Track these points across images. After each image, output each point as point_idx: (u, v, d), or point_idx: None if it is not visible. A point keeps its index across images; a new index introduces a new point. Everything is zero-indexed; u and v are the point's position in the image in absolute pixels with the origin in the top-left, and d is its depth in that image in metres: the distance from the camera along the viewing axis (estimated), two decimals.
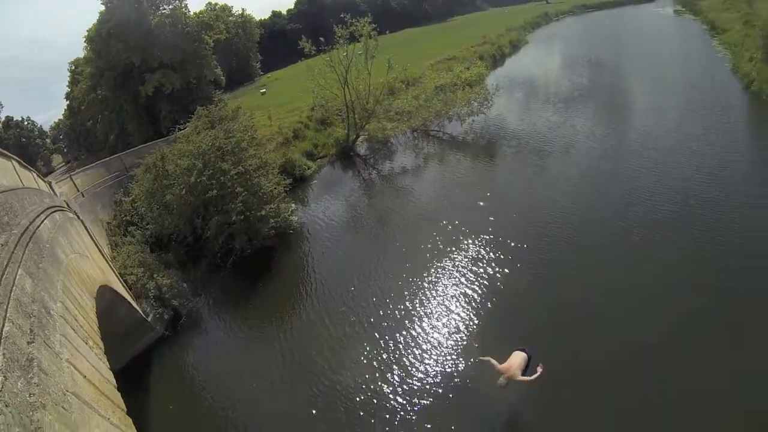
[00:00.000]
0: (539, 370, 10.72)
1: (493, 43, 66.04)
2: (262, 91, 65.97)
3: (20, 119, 70.98)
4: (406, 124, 35.49)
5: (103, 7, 52.69)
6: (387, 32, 42.72)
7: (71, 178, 25.29)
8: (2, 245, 5.80)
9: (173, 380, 16.73)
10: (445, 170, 28.65)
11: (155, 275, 20.37)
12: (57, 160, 79.44)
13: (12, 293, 4.88)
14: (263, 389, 15.15)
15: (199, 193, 22.44)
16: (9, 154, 12.57)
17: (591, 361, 12.13)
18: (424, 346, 14.72)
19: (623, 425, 10.43)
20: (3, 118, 67.43)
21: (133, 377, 16.45)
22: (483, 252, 18.65)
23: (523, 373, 10.85)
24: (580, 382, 11.59)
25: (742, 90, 29.29)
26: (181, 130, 25.58)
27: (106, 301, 15.39)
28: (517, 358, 10.98)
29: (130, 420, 6.92)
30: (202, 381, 16.40)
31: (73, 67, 66.96)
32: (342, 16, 32.80)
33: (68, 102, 69.80)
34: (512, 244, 18.43)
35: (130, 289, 19.31)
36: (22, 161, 14.07)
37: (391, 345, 15.23)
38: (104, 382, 6.89)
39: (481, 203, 22.62)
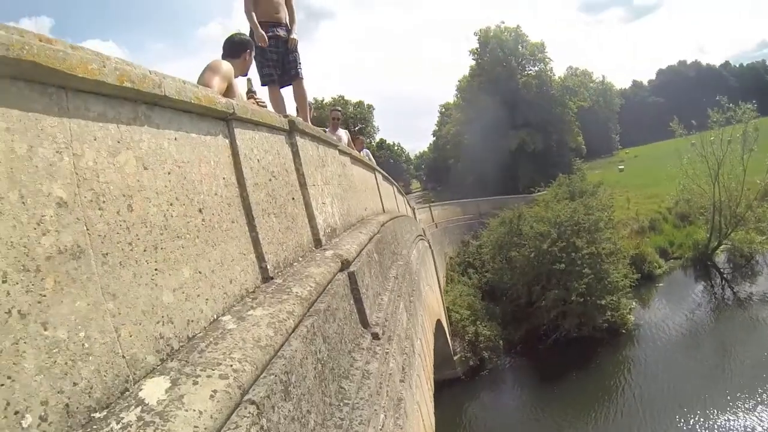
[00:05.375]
0: None
1: None
2: (620, 167, 69.02)
3: (392, 143, 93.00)
4: None
5: (473, 62, 64.89)
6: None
7: (430, 209, 32.55)
8: (394, 278, 6.49)
9: (453, 420, 20.44)
10: None
11: (478, 322, 24.75)
12: (415, 185, 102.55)
13: (396, 329, 5.34)
14: None
15: (546, 261, 26.07)
16: (391, 179, 15.81)
17: None
18: None
19: None
20: (378, 140, 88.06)
21: None
22: None
23: None
24: None
25: None
26: (540, 192, 30.18)
27: None
28: None
29: None
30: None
31: (443, 110, 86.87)
32: (718, 98, 33.29)
33: (435, 138, 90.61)
34: None
35: (450, 325, 23.67)
36: (399, 187, 18.47)
37: None
38: (430, 427, 7.19)
39: None
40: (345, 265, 4.04)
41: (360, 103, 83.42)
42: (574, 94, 69.08)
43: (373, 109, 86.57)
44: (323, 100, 63.87)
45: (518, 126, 62.63)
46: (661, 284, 32.15)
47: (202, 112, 2.58)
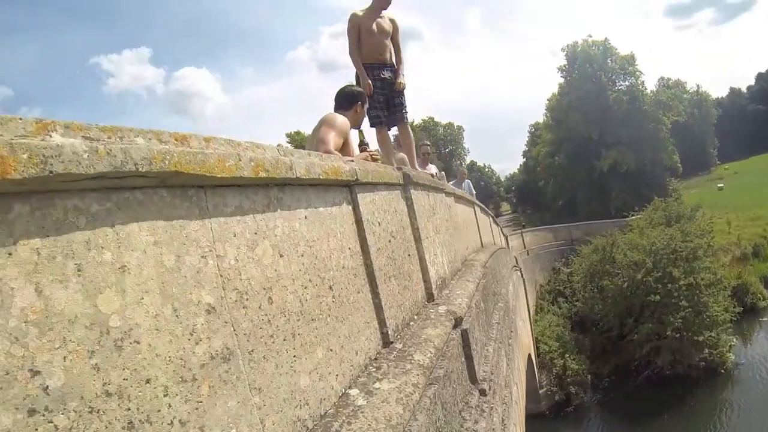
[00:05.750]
0: None
1: None
2: (719, 185, 65.03)
3: (482, 165, 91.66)
4: None
5: (562, 80, 63.90)
6: None
7: (522, 235, 31.79)
8: (497, 324, 6.18)
9: None
10: None
11: (566, 355, 23.44)
12: (504, 207, 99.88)
13: (498, 379, 5.01)
14: None
15: (640, 292, 24.34)
16: (487, 210, 15.05)
17: None
18: None
19: None
20: (468, 162, 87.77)
21: None
22: None
23: None
24: None
25: None
26: (634, 216, 28.72)
27: None
28: None
29: None
30: None
31: (533, 130, 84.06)
32: None
33: (525, 160, 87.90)
34: None
35: (537, 356, 22.58)
36: (494, 217, 17.72)
37: None
38: None
39: None
40: (457, 322, 3.90)
41: (450, 125, 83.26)
42: (667, 109, 63.91)
43: (463, 130, 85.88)
44: (413, 122, 63.67)
45: (609, 145, 59.28)
46: (765, 318, 29.48)
47: (328, 183, 2.50)
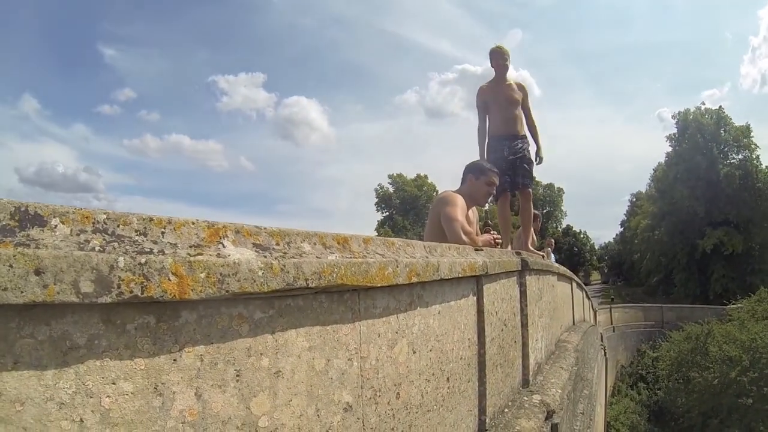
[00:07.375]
0: None
1: None
2: None
3: (578, 231, 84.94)
4: None
5: (670, 149, 57.31)
6: None
7: (610, 311, 29.67)
8: (581, 414, 5.74)
9: None
10: None
11: None
12: (594, 276, 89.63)
13: None
14: None
15: (731, 392, 21.54)
16: (582, 284, 13.60)
17: None
18: None
19: None
20: (564, 226, 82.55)
21: None
22: None
23: None
24: None
25: None
26: (734, 305, 25.91)
27: None
28: None
29: None
30: None
31: (634, 199, 76.27)
32: None
33: (622, 230, 79.97)
34: None
35: None
36: (587, 291, 15.94)
37: None
38: None
39: None
40: (549, 414, 3.63)
41: (550, 186, 79.22)
42: None
43: (563, 192, 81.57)
44: None
45: (716, 224, 52.14)
46: None
47: (461, 277, 2.40)
